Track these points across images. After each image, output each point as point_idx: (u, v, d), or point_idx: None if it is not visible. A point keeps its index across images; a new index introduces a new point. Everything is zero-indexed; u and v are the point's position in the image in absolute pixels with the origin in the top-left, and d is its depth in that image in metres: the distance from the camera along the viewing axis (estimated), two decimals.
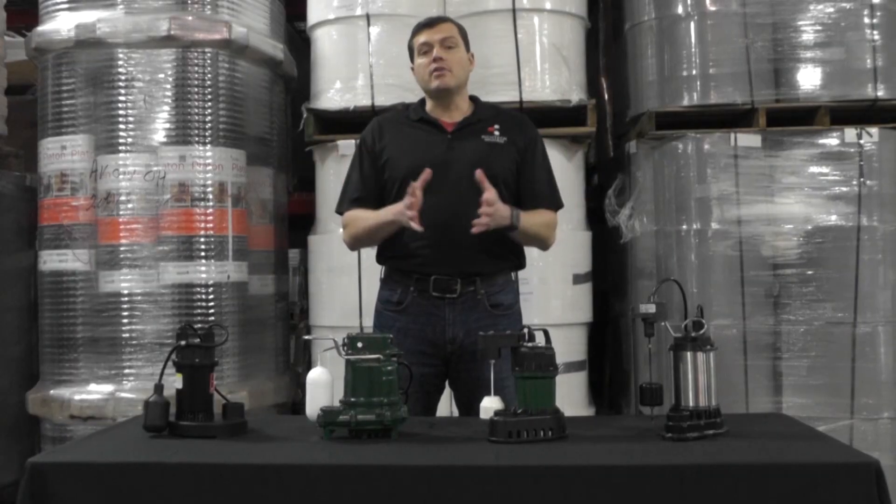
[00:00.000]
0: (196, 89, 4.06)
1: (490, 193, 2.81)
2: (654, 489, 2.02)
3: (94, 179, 4.03)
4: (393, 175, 2.99)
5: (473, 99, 3.13)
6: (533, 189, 3.05)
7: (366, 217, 3.01)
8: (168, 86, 4.03)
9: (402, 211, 2.81)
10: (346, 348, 2.36)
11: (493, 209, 2.80)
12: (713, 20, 4.31)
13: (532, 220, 2.98)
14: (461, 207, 2.87)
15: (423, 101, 3.12)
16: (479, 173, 2.82)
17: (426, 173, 2.82)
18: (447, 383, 3.05)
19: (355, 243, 3.13)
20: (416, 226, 2.78)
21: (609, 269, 4.91)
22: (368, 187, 3.05)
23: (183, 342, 2.43)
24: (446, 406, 3.24)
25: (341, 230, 3.14)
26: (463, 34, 3.07)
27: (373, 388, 2.32)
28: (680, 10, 4.37)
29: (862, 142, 4.15)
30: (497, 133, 3.02)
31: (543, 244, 3.12)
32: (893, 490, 2.14)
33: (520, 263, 3.10)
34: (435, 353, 2.94)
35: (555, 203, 3.10)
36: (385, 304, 3.03)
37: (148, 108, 4.02)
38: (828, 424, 3.93)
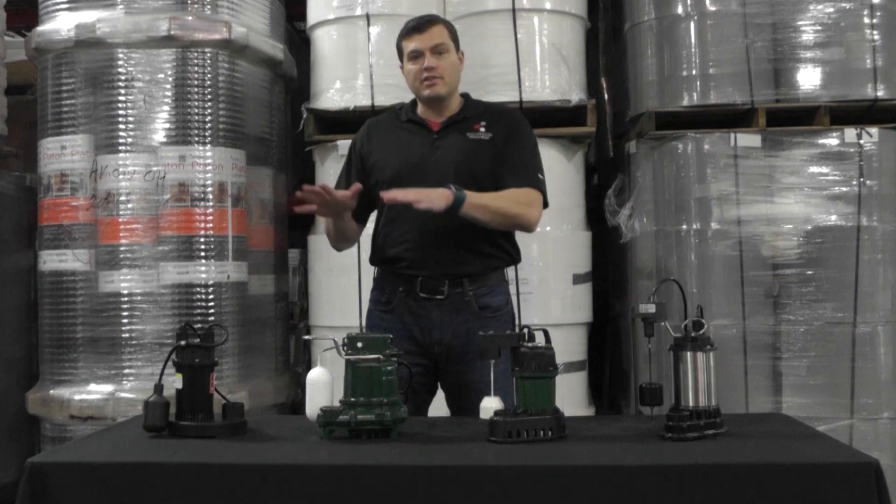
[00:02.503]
0: (196, 89, 4.06)
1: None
2: (654, 489, 2.02)
3: (93, 179, 4.03)
4: (380, 178, 2.97)
5: (464, 96, 3.08)
6: (510, 168, 2.92)
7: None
8: (168, 86, 4.03)
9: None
10: (346, 348, 2.36)
11: (423, 194, 2.72)
12: (713, 20, 4.31)
13: (496, 196, 2.85)
14: None
15: (414, 102, 3.09)
16: (385, 195, 2.76)
17: (355, 187, 2.84)
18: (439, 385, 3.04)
19: (329, 240, 3.14)
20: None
21: (609, 269, 4.92)
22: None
23: (183, 342, 2.43)
24: (446, 406, 3.24)
25: None
26: (453, 35, 3.00)
27: (373, 388, 2.32)
28: (680, 10, 4.37)
29: (862, 142, 4.15)
30: (483, 129, 2.97)
31: (519, 222, 2.93)
32: (893, 490, 2.14)
33: (513, 259, 3.04)
34: (422, 353, 2.92)
35: (534, 182, 2.93)
36: (375, 303, 3.03)
37: (148, 108, 4.02)
38: (828, 424, 3.93)
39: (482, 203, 2.80)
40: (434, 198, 2.71)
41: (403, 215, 2.89)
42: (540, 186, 2.96)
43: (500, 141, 2.96)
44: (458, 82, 3.03)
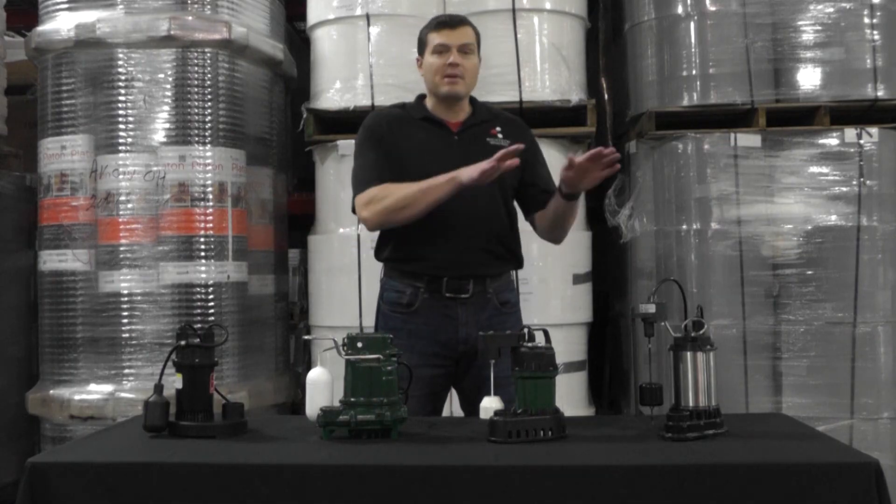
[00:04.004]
0: (196, 89, 4.06)
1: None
2: (654, 489, 2.02)
3: (93, 179, 4.03)
4: (402, 176, 2.90)
5: (471, 99, 3.09)
6: (544, 183, 3.07)
7: (407, 186, 2.81)
8: (168, 86, 4.03)
9: (485, 164, 2.69)
10: (346, 348, 2.35)
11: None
12: (713, 20, 4.31)
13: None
14: (472, 210, 2.86)
15: (421, 99, 3.08)
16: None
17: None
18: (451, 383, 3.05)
19: (386, 216, 2.85)
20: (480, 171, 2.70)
21: (609, 269, 4.91)
22: (387, 170, 2.91)
23: (183, 342, 2.43)
24: (446, 406, 3.24)
25: (362, 212, 2.89)
26: (478, 39, 3.02)
27: (373, 388, 2.32)
28: (680, 10, 4.37)
29: (862, 142, 4.15)
30: (500, 136, 3.01)
31: (565, 234, 3.11)
32: (893, 490, 2.14)
33: (519, 263, 3.10)
34: (446, 353, 2.93)
35: None
36: (392, 306, 2.98)
37: (148, 108, 4.02)
38: (828, 424, 3.93)
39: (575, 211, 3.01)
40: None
41: (432, 214, 2.85)
42: None
43: (519, 153, 2.98)
44: (475, 86, 3.04)
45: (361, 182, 2.92)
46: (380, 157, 2.93)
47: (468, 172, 2.73)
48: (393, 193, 2.83)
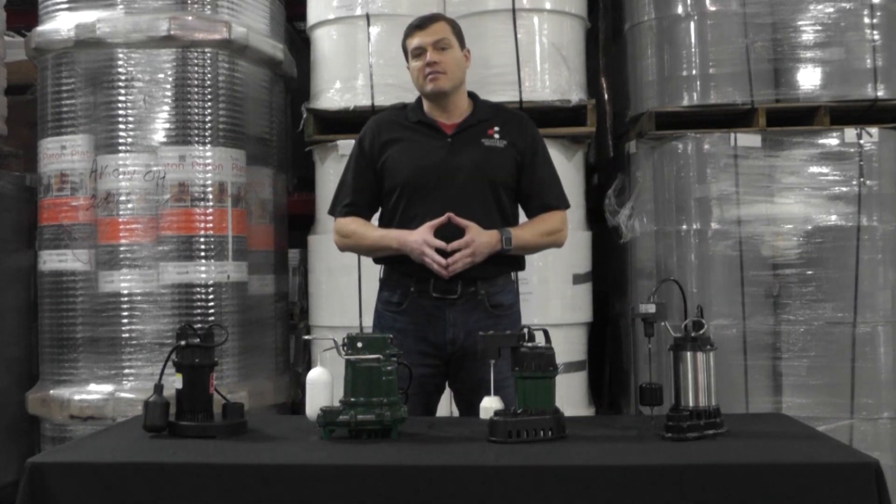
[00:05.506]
0: (196, 89, 4.06)
1: (468, 234, 2.82)
2: (654, 489, 2.02)
3: (93, 179, 4.03)
4: (393, 181, 2.96)
5: (472, 97, 3.09)
6: (539, 191, 3.04)
7: (366, 234, 3.00)
8: (168, 86, 4.03)
9: (420, 250, 2.82)
10: (346, 348, 2.36)
11: (470, 249, 2.82)
12: (713, 20, 4.31)
13: (530, 232, 2.99)
14: (463, 212, 2.86)
15: (420, 101, 3.08)
16: (450, 217, 2.83)
17: (444, 218, 2.83)
18: (447, 383, 3.04)
19: (346, 250, 3.14)
20: (443, 274, 2.82)
21: (609, 269, 4.91)
22: (362, 193, 3.02)
23: (183, 342, 2.43)
24: (446, 406, 3.24)
25: (333, 233, 3.11)
26: (456, 31, 3.03)
27: (373, 388, 2.32)
28: (680, 10, 4.37)
29: (862, 142, 4.15)
30: (497, 136, 3.00)
31: (551, 247, 3.13)
32: (893, 490, 2.14)
33: (520, 266, 3.09)
34: (435, 353, 2.94)
35: (561, 202, 3.08)
36: (385, 304, 3.02)
37: (148, 108, 4.02)
38: (828, 424, 3.93)
39: (522, 244, 2.96)
40: (482, 250, 2.84)
41: (421, 216, 2.88)
42: (567, 204, 3.11)
43: (519, 151, 3.01)
44: (463, 79, 3.03)
45: (333, 204, 3.10)
46: (356, 180, 3.03)
47: (415, 252, 2.84)
48: (352, 236, 3.03)
